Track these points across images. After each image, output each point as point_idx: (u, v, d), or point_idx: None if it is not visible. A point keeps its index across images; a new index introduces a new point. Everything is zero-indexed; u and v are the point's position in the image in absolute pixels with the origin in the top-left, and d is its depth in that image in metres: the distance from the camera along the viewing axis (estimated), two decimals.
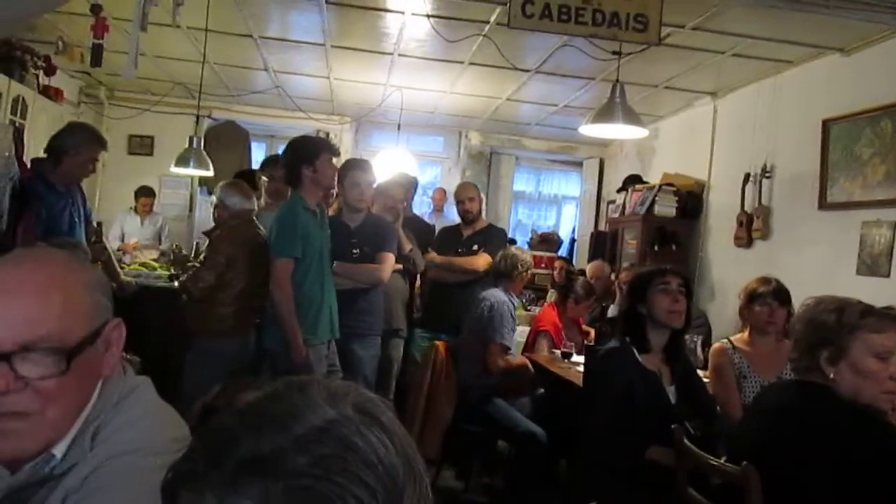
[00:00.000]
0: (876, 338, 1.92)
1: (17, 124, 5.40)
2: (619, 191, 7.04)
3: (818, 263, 4.47)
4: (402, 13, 4.59)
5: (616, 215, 6.92)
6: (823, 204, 4.52)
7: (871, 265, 4.08)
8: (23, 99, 5.68)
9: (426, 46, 5.25)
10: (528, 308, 6.39)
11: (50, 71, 6.01)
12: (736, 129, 5.72)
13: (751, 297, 3.31)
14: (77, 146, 3.82)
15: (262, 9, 4.84)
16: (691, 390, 2.95)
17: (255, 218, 4.03)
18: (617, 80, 4.34)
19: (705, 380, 3.25)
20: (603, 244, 6.98)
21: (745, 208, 5.32)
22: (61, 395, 1.01)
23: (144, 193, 7.13)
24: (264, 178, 4.95)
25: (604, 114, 4.34)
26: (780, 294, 3.28)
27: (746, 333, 3.34)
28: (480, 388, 4.08)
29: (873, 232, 4.09)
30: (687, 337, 3.48)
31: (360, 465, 0.63)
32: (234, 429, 0.64)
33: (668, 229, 6.05)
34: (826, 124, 4.51)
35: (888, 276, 3.95)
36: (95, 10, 4.21)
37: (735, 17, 4.19)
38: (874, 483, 1.82)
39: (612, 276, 5.95)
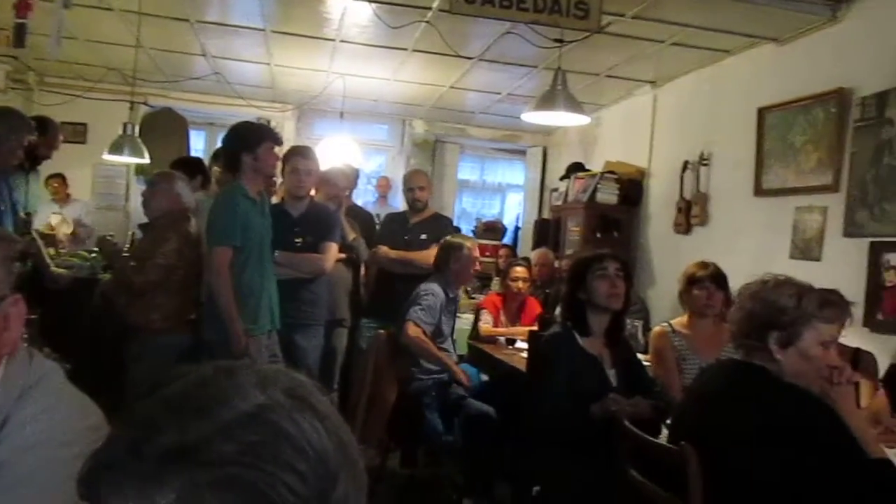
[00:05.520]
0: (826, 328, 2.00)
1: None
2: (562, 179, 7.09)
3: (754, 248, 4.58)
4: None
5: (559, 203, 6.97)
6: (759, 190, 4.63)
7: (803, 249, 4.20)
8: None
9: (369, 33, 5.18)
10: (473, 297, 6.39)
11: None
12: (675, 117, 5.82)
13: (689, 282, 3.39)
14: (5, 133, 3.66)
15: None
16: (632, 373, 3.00)
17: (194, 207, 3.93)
18: (559, 68, 4.35)
19: (646, 363, 3.31)
20: (547, 232, 7.03)
21: (684, 195, 5.42)
22: None
23: (53, 178, 6.81)
24: (216, 168, 4.83)
25: (546, 101, 4.36)
26: (718, 278, 3.37)
27: (686, 317, 3.41)
28: (418, 378, 4.05)
29: (805, 217, 4.21)
30: (628, 321, 3.54)
31: (291, 451, 0.60)
32: (158, 416, 0.61)
33: (611, 216, 6.13)
34: (761, 112, 4.61)
35: (819, 259, 4.08)
36: None
37: (674, 7, 4.25)
38: (820, 464, 1.87)
39: (556, 264, 6.00)
